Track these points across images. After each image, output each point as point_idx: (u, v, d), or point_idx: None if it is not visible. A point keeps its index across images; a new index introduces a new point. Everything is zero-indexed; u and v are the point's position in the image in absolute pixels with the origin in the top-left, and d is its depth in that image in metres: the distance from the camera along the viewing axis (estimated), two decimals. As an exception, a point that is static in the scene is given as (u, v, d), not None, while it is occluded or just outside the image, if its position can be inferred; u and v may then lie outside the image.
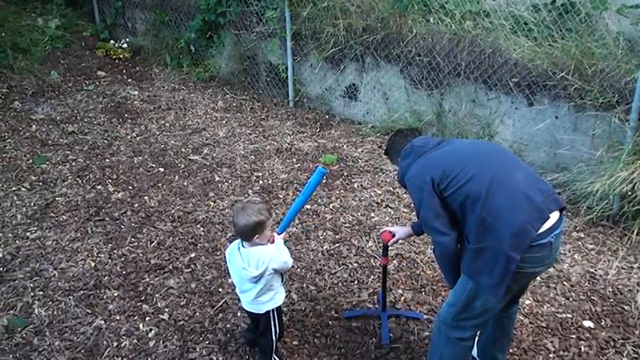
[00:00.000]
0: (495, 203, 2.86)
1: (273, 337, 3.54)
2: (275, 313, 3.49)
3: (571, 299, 4.27)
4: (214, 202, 5.53)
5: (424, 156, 3.14)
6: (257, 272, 3.30)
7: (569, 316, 4.11)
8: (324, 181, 5.80)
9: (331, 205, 5.42)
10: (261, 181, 5.87)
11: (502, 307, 3.31)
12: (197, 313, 4.18)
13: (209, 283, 4.46)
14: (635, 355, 3.77)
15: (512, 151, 5.69)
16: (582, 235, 4.97)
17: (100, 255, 4.81)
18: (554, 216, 2.93)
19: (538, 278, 4.46)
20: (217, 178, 5.94)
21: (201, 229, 5.14)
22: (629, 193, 4.66)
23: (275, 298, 3.47)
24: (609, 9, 5.31)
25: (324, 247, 4.85)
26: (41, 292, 4.40)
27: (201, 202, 5.52)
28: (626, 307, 4.18)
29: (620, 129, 4.93)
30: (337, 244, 4.89)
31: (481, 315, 3.11)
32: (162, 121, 7.26)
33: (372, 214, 5.27)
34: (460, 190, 2.92)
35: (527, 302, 4.23)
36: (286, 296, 4.20)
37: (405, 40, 6.26)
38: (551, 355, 3.79)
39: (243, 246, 3.37)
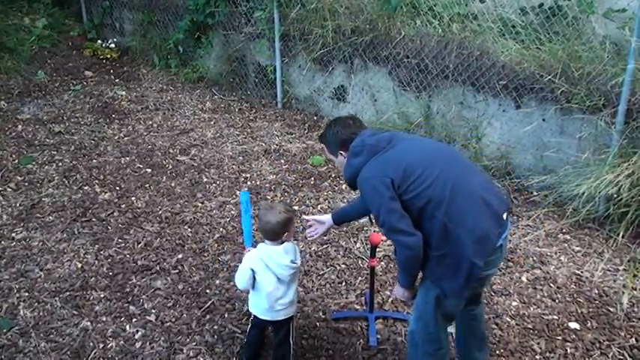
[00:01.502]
0: (457, 209, 2.83)
1: (291, 341, 3.55)
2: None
3: (557, 301, 4.30)
4: (202, 203, 5.52)
5: (379, 155, 3.00)
6: (299, 262, 3.38)
7: (555, 317, 4.14)
8: (312, 182, 5.80)
9: (319, 207, 5.42)
10: (249, 182, 5.86)
11: (465, 310, 3.34)
12: (184, 315, 4.16)
13: (196, 285, 4.45)
14: (621, 357, 3.80)
15: (500, 154, 5.73)
16: (568, 238, 5.00)
17: (86, 256, 4.78)
18: (505, 219, 2.98)
19: (525, 280, 4.49)
20: (205, 179, 5.93)
21: (189, 230, 5.12)
22: (615, 195, 4.69)
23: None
24: (596, 13, 5.35)
25: (312, 249, 4.85)
26: (27, 294, 4.37)
27: (189, 203, 5.50)
28: (611, 309, 4.21)
29: (607, 132, 4.97)
30: (325, 246, 4.89)
31: (447, 320, 3.15)
32: (150, 122, 7.23)
33: (360, 216, 5.27)
34: (421, 194, 2.85)
35: (514, 304, 4.25)
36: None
37: (394, 42, 6.27)
38: (537, 357, 3.81)
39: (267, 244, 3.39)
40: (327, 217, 3.77)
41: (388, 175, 2.89)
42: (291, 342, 3.55)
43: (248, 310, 3.62)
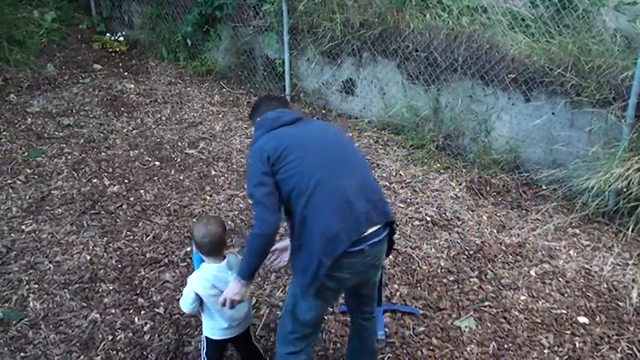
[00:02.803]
0: (317, 204, 2.80)
1: (256, 342, 3.55)
2: None
3: (566, 295, 4.29)
4: (210, 196, 5.53)
5: (273, 131, 3.02)
6: None
7: (564, 312, 4.12)
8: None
9: (327, 200, 5.41)
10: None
11: (355, 319, 3.30)
12: (193, 307, 4.17)
13: (205, 277, 4.46)
14: (630, 352, 3.79)
15: (509, 148, 5.70)
16: (578, 232, 4.98)
17: (95, 248, 4.80)
18: (375, 227, 2.88)
19: (533, 274, 4.47)
20: (213, 172, 5.94)
21: (197, 223, 5.13)
22: (625, 189, 4.67)
23: None
24: (607, 5, 5.31)
25: (320, 242, 4.84)
26: (36, 285, 4.39)
27: (197, 196, 5.51)
28: (620, 304, 4.20)
29: (617, 126, 4.94)
30: (333, 239, 4.88)
31: (306, 325, 3.03)
32: (159, 115, 7.24)
33: (368, 209, 5.26)
34: (288, 180, 2.84)
35: (523, 298, 4.24)
36: (282, 290, 4.21)
37: (403, 35, 6.25)
38: (545, 351, 3.80)
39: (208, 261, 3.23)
40: (287, 242, 3.48)
41: (267, 150, 2.89)
42: (256, 343, 3.54)
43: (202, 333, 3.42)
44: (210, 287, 3.16)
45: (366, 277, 3.07)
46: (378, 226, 2.90)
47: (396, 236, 4.84)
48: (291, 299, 3.01)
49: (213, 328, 3.30)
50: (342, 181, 2.87)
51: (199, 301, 3.20)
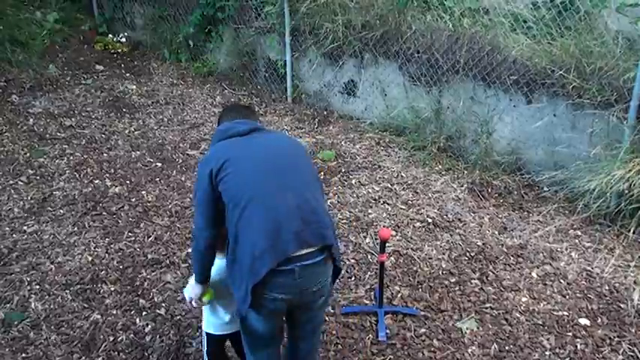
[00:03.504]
0: (249, 220, 2.74)
1: None
2: None
3: (567, 297, 4.28)
4: (212, 197, 5.52)
5: (221, 142, 2.98)
6: None
7: (565, 313, 4.12)
8: (321, 177, 5.80)
9: (329, 202, 5.42)
10: (258, 177, 5.85)
11: (290, 345, 3.20)
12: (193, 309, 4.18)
13: (206, 279, 4.46)
14: (631, 354, 3.79)
15: (511, 149, 5.70)
16: (579, 233, 4.98)
17: (97, 249, 4.81)
18: (308, 250, 2.76)
19: (535, 275, 4.47)
20: (215, 174, 5.93)
21: (199, 224, 5.13)
22: (626, 191, 4.67)
23: None
24: (608, 7, 5.31)
25: (322, 243, 4.84)
26: (38, 286, 4.39)
27: (199, 197, 5.51)
28: (622, 305, 4.19)
29: (618, 127, 4.94)
30: (334, 241, 4.88)
31: (254, 338, 2.98)
32: (161, 116, 7.24)
33: (370, 211, 5.27)
34: (227, 192, 2.79)
35: (524, 300, 4.24)
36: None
37: (404, 36, 6.25)
38: (547, 353, 3.80)
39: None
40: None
41: (210, 164, 2.84)
42: None
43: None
44: (218, 282, 3.15)
45: (303, 302, 2.90)
46: (312, 249, 2.77)
47: (397, 238, 4.88)
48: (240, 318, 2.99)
49: (215, 323, 3.29)
50: (278, 198, 2.78)
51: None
